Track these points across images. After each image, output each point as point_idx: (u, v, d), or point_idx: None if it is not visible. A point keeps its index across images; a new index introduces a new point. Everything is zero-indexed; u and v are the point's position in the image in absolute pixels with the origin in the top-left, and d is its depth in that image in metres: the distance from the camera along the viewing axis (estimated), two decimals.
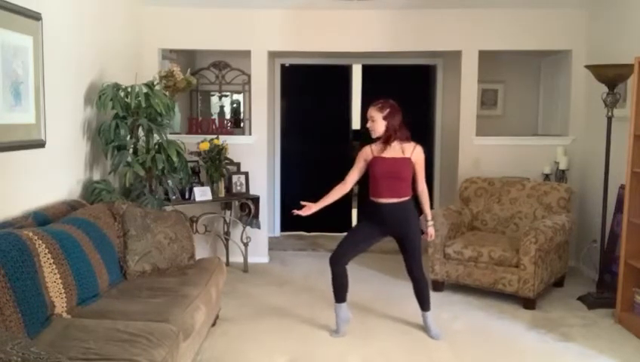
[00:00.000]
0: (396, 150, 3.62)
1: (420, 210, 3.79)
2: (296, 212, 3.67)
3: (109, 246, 3.37)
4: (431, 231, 3.82)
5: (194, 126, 5.62)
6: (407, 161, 3.61)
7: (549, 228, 4.34)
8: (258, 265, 5.45)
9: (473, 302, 4.45)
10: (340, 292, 3.77)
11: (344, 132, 6.86)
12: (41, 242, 2.73)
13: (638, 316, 3.88)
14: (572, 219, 4.82)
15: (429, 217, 3.79)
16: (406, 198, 3.64)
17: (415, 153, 3.64)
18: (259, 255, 5.55)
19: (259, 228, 5.30)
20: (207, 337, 3.62)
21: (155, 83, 4.34)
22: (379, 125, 3.60)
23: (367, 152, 3.71)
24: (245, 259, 5.31)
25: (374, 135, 3.65)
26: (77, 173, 3.99)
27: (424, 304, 3.80)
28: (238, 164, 5.35)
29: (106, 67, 4.41)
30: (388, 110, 3.59)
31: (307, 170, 6.76)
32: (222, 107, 7.09)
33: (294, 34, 5.43)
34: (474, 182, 5.20)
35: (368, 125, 3.67)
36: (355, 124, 7.03)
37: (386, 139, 3.61)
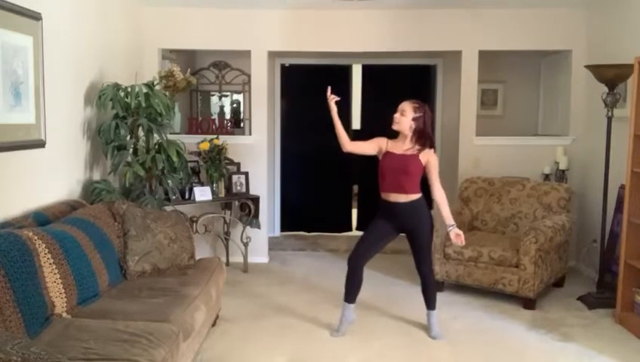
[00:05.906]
0: (410, 150, 3.61)
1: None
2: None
3: (109, 246, 3.36)
4: (453, 235, 3.60)
5: (194, 126, 5.62)
6: (415, 158, 3.58)
7: (549, 228, 4.34)
8: (258, 265, 5.45)
9: (473, 302, 4.45)
10: (352, 292, 3.77)
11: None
12: (41, 242, 2.73)
13: (638, 316, 3.88)
14: (572, 219, 4.82)
15: (448, 221, 3.61)
16: (414, 197, 3.60)
17: (425, 153, 3.59)
18: (259, 255, 5.55)
19: (259, 228, 5.30)
20: (207, 337, 3.62)
21: (155, 83, 4.34)
22: (405, 122, 3.59)
23: (382, 142, 3.70)
24: (245, 259, 5.31)
25: (395, 127, 3.62)
26: (77, 173, 3.99)
27: (429, 302, 3.80)
28: (238, 164, 5.35)
29: (106, 67, 4.41)
30: (420, 114, 3.59)
31: (307, 170, 6.77)
32: (222, 107, 7.08)
33: (294, 34, 5.43)
34: (474, 182, 5.20)
35: (396, 115, 3.62)
36: (355, 124, 7.02)
37: (407, 138, 3.61)
